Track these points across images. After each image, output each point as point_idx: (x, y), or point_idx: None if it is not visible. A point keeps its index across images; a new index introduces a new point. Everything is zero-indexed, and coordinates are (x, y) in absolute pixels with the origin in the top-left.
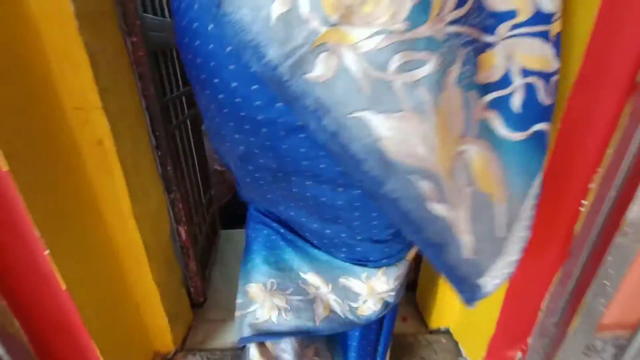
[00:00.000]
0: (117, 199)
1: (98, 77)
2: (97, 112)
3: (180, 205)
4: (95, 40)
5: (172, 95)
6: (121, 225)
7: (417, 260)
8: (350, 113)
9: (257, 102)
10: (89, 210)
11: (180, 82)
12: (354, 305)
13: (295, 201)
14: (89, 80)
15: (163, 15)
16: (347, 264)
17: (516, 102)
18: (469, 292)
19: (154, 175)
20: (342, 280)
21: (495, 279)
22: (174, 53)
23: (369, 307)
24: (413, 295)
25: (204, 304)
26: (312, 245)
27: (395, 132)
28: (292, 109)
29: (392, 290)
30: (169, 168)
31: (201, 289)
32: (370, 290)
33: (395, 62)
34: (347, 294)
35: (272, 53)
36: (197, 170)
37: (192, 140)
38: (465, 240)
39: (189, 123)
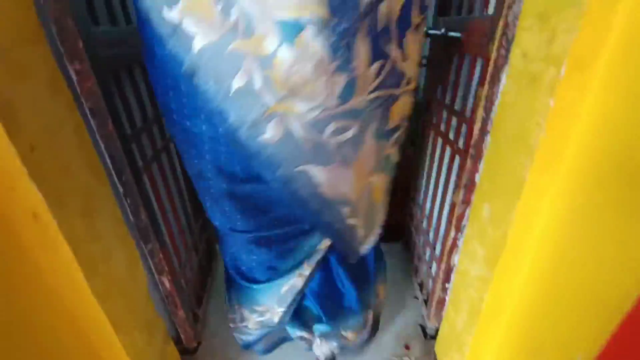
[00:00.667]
0: (67, 277)
1: (18, 133)
2: (23, 179)
3: (161, 255)
4: (11, 82)
5: (143, 125)
6: (78, 308)
7: (439, 307)
8: (297, 167)
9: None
10: (32, 300)
11: (148, 107)
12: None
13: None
14: (4, 139)
15: (128, 19)
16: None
17: (402, 136)
18: (353, 256)
19: (120, 232)
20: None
21: (367, 247)
22: (139, 69)
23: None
24: (432, 344)
25: (198, 349)
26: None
27: (329, 179)
28: (251, 163)
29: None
30: (142, 217)
31: (193, 335)
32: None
33: (330, 128)
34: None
35: (233, 118)
36: (186, 196)
37: (177, 165)
38: (360, 234)
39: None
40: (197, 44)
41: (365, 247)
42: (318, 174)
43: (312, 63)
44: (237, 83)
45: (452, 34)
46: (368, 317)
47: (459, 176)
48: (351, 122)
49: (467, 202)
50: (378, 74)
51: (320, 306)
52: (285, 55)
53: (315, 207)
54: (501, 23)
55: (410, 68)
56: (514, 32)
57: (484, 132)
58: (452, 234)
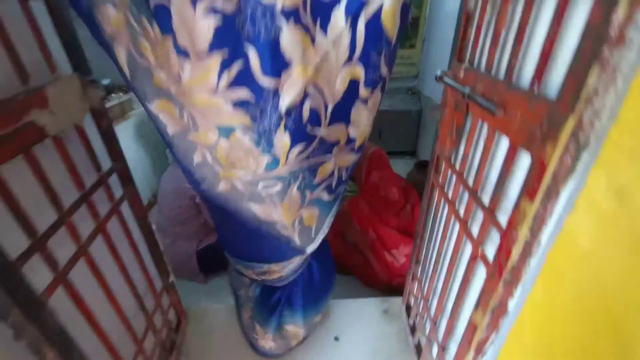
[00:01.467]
0: None
1: None
2: None
3: None
4: None
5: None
6: None
7: None
8: (242, 204)
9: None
10: None
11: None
12: None
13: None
14: None
15: None
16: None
17: (334, 184)
18: (294, 252)
19: None
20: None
21: (311, 249)
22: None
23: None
24: None
25: None
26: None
27: (264, 211)
28: (214, 200)
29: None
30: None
31: None
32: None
33: (260, 185)
34: None
35: (197, 176)
36: (145, 258)
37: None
38: (296, 243)
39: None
40: (169, 131)
41: (306, 250)
42: (255, 207)
43: (243, 150)
44: (196, 158)
45: (480, 101)
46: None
47: (483, 291)
48: (277, 182)
49: (494, 327)
50: (301, 152)
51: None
52: (224, 145)
53: (257, 223)
54: (571, 121)
55: (354, 132)
56: (588, 138)
57: (526, 255)
58: (471, 355)
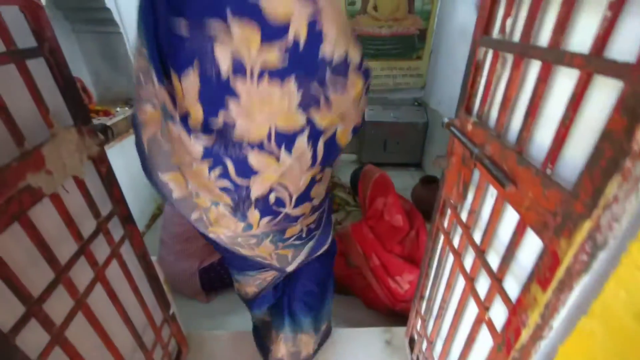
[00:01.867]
0: None
1: None
2: None
3: None
4: None
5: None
6: None
7: None
8: (228, 247)
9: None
10: None
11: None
12: None
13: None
14: None
15: None
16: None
17: (305, 234)
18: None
19: None
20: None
21: (290, 269)
22: None
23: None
24: None
25: None
26: None
27: (245, 251)
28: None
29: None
30: None
31: None
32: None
33: (239, 239)
34: None
35: (199, 230)
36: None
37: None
38: (276, 266)
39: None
40: (175, 195)
41: (285, 270)
42: (237, 248)
43: (226, 216)
44: (194, 215)
45: (490, 169)
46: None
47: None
48: (252, 238)
49: None
50: (269, 221)
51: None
52: (214, 210)
53: (242, 255)
54: (588, 223)
55: (316, 202)
56: (607, 239)
57: (537, 338)
58: None
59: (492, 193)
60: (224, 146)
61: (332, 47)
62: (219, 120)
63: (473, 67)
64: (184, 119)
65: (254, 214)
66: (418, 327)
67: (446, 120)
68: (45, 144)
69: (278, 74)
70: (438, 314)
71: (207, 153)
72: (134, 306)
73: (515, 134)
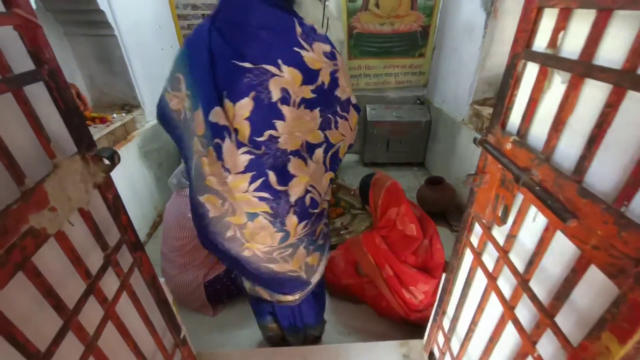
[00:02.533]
0: None
1: None
2: None
3: None
4: None
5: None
6: None
7: None
8: (260, 264)
9: None
10: None
11: None
12: None
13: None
14: None
15: None
16: None
17: (325, 233)
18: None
19: None
20: None
21: (315, 279)
22: None
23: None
24: None
25: None
26: None
27: (278, 267)
28: (239, 262)
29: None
30: None
31: None
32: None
33: (276, 252)
34: None
35: (227, 245)
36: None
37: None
38: (303, 277)
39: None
40: (210, 214)
41: (311, 281)
42: (271, 266)
43: (263, 229)
44: (229, 233)
45: (545, 199)
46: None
47: None
48: (288, 248)
49: None
50: (305, 226)
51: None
52: (250, 225)
53: (272, 275)
54: None
55: (328, 196)
56: None
57: None
58: None
59: (535, 219)
60: (270, 156)
61: (342, 91)
62: (265, 136)
63: (513, 81)
64: (235, 134)
65: (292, 220)
66: (440, 343)
67: (479, 136)
68: (48, 178)
69: (310, 104)
70: (467, 336)
71: (251, 164)
72: (145, 335)
73: (572, 160)
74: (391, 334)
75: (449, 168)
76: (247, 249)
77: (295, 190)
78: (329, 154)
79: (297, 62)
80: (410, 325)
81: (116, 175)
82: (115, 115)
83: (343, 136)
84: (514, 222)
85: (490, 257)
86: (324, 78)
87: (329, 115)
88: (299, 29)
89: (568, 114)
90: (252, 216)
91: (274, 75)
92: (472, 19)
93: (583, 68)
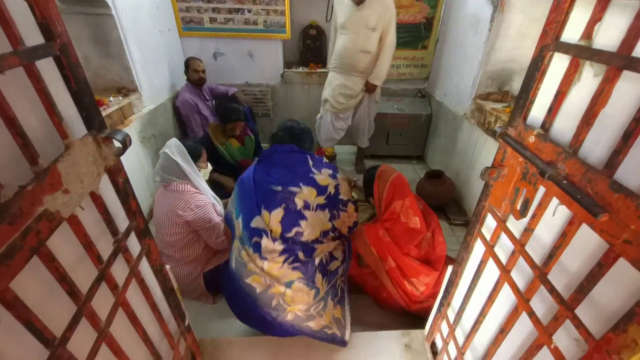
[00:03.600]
0: None
1: None
2: None
3: None
4: None
5: None
6: None
7: None
8: (302, 324)
9: None
10: None
11: None
12: None
13: None
14: None
15: None
16: None
17: (340, 287)
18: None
19: None
20: None
21: (348, 335)
22: None
23: None
24: None
25: None
26: None
27: (316, 324)
28: (282, 328)
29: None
30: None
31: None
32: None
33: (312, 308)
34: None
35: (273, 315)
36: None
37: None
38: (337, 335)
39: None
40: (257, 290)
41: (345, 339)
42: (311, 324)
43: (300, 290)
44: (274, 302)
45: (573, 194)
46: None
47: None
48: (321, 302)
49: None
50: (328, 281)
51: None
52: (289, 292)
53: (312, 334)
54: None
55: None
56: None
57: None
58: None
59: (555, 213)
60: (297, 245)
61: (343, 196)
62: (293, 232)
63: (539, 73)
64: (269, 233)
65: (318, 277)
66: (444, 333)
67: (499, 129)
68: (61, 159)
69: (323, 207)
70: (474, 327)
71: (285, 250)
72: (152, 322)
73: (603, 154)
74: (391, 324)
75: (448, 162)
76: (290, 312)
77: (317, 259)
78: (336, 232)
79: (312, 182)
80: (410, 316)
81: None
82: (112, 98)
83: (343, 222)
84: (533, 216)
85: (502, 250)
86: (331, 190)
87: (334, 212)
88: (310, 162)
89: (601, 107)
90: (289, 284)
91: (297, 193)
92: (478, 12)
93: (623, 61)
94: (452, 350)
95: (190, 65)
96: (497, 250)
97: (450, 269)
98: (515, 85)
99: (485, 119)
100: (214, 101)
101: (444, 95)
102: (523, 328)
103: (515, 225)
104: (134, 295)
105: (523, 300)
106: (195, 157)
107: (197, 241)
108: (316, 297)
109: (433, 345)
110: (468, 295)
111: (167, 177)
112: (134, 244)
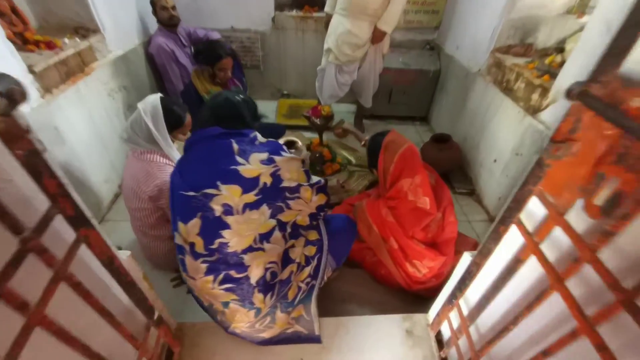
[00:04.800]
0: None
1: None
2: None
3: None
4: None
5: None
6: None
7: None
8: (253, 336)
9: None
10: None
11: None
12: None
13: None
14: None
15: None
16: None
17: (307, 283)
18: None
19: None
20: None
21: (317, 330)
22: None
23: None
24: None
25: None
26: None
27: (269, 334)
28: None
29: None
30: None
31: None
32: None
33: (257, 324)
34: None
35: (213, 316)
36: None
37: None
38: (303, 332)
39: None
40: (203, 302)
41: (316, 333)
42: (263, 334)
43: (238, 311)
44: (219, 317)
45: None
46: None
47: None
48: (266, 317)
49: None
50: (271, 297)
51: None
52: (227, 311)
53: (268, 341)
54: None
55: (299, 258)
56: None
57: None
58: None
59: None
60: (223, 260)
61: (288, 182)
62: (216, 244)
63: None
64: (192, 247)
65: (258, 297)
66: (454, 324)
67: (573, 86)
68: None
69: (255, 205)
70: (498, 335)
71: (209, 270)
72: (102, 329)
73: None
74: (390, 300)
75: (456, 125)
76: (235, 329)
77: (254, 274)
78: (287, 228)
79: (234, 178)
80: (409, 293)
81: (75, 118)
82: (66, 40)
83: (299, 210)
84: (622, 217)
85: (552, 250)
86: (265, 180)
87: (278, 205)
88: (236, 148)
89: None
90: (225, 304)
91: (213, 196)
92: None
93: None
94: (464, 347)
95: (156, 2)
96: (545, 249)
97: (467, 256)
98: (541, 37)
99: (504, 76)
100: (192, 48)
101: (455, 48)
102: (577, 355)
103: (580, 221)
104: (67, 305)
105: (587, 323)
106: (173, 126)
107: (167, 221)
108: (258, 315)
109: (438, 334)
110: (491, 294)
111: (134, 137)
112: (63, 239)
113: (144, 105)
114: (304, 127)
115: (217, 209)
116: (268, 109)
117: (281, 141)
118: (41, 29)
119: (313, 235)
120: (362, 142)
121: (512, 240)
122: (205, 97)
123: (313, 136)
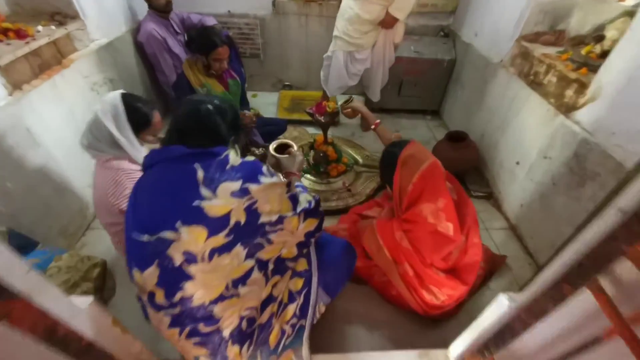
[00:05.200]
0: None
1: None
2: None
3: None
4: None
5: None
6: None
7: None
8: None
9: None
10: None
11: None
12: None
13: None
14: None
15: None
16: None
17: (291, 326)
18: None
19: None
20: None
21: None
22: None
23: None
24: None
25: None
26: None
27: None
28: None
29: None
30: None
31: None
32: None
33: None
34: None
35: None
36: None
37: None
38: None
39: None
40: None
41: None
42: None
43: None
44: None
45: None
46: None
47: None
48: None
49: None
50: (249, 346)
51: None
52: None
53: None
54: None
55: (281, 295)
56: None
57: None
58: None
59: None
60: (187, 314)
61: (268, 216)
62: (177, 297)
63: None
64: (152, 298)
65: (233, 350)
66: None
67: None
68: None
69: (225, 248)
70: None
71: (173, 322)
72: None
73: None
74: (402, 322)
75: (471, 120)
76: None
77: (226, 324)
78: (270, 265)
79: (198, 217)
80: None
81: (51, 117)
82: (40, 28)
83: (284, 242)
84: None
85: None
86: (238, 217)
87: (257, 242)
88: (200, 176)
89: None
90: (196, 358)
91: (171, 242)
92: None
93: None
94: None
95: None
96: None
97: (502, 300)
98: (575, 23)
99: (532, 68)
100: (185, 35)
101: (474, 35)
102: None
103: None
104: None
105: None
106: (139, 127)
107: None
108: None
109: None
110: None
111: (95, 143)
112: None
113: (103, 105)
114: (308, 122)
115: (177, 258)
116: (268, 102)
117: (273, 145)
118: (14, 15)
119: (302, 266)
120: (373, 126)
121: (582, 308)
122: (199, 91)
123: (317, 132)
